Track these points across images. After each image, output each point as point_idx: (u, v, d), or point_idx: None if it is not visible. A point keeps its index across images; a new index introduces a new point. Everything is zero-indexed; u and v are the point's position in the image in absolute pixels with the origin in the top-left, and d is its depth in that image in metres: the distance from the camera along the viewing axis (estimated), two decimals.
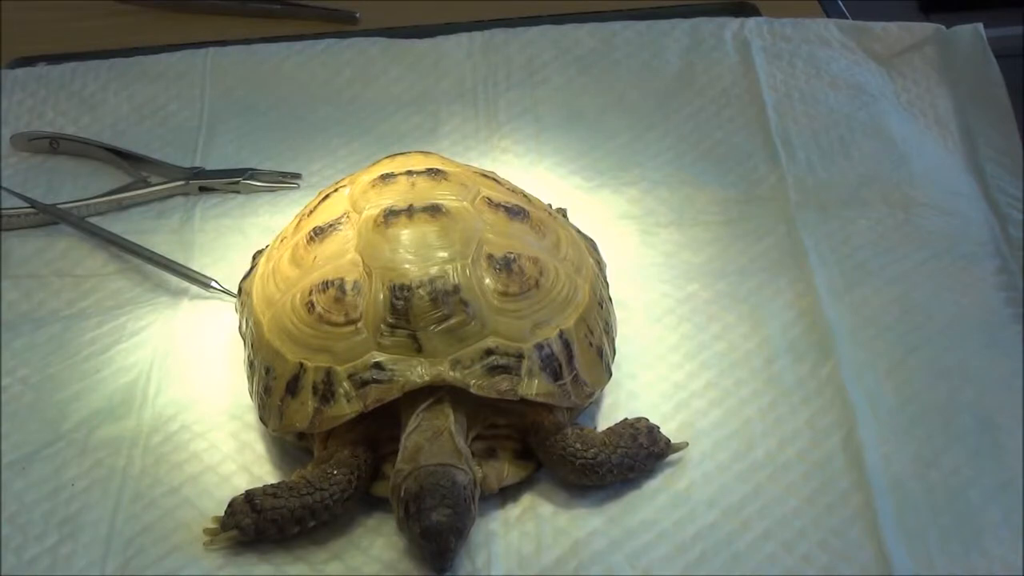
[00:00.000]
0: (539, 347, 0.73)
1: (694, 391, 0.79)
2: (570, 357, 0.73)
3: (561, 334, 0.74)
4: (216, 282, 0.86)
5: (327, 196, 0.81)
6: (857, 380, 0.78)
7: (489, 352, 0.71)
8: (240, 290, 0.83)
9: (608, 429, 0.74)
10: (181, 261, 0.88)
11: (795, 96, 1.01)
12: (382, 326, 0.72)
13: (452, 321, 0.72)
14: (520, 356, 0.72)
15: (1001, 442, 0.74)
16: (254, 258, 0.86)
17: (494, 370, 0.71)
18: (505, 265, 0.74)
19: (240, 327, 0.80)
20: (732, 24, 1.08)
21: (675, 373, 0.80)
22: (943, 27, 1.05)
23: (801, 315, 0.83)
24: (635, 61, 1.06)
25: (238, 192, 0.95)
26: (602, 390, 0.77)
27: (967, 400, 0.77)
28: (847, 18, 1.11)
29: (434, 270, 0.73)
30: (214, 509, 0.72)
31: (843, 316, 0.83)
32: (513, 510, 0.72)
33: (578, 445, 0.72)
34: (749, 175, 0.94)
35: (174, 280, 0.87)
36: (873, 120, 0.98)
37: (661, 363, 0.80)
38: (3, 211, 0.93)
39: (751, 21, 1.08)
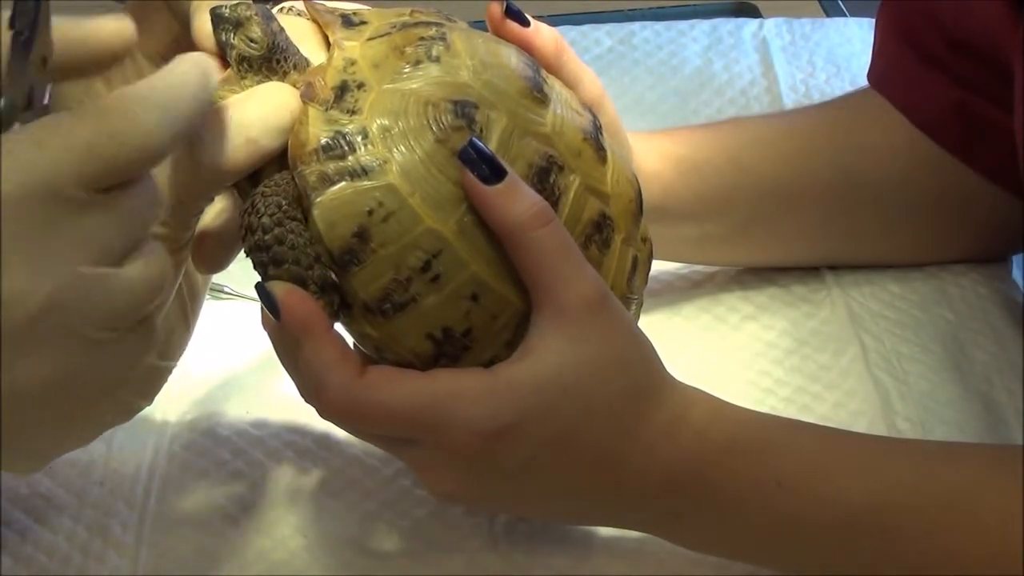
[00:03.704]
0: None
1: (716, 382, 0.79)
2: None
3: None
4: (229, 287, 0.86)
5: None
6: (871, 373, 0.79)
7: None
8: None
9: None
10: None
11: (815, 96, 1.01)
12: None
13: None
14: None
15: (1012, 439, 0.75)
16: None
17: None
18: None
19: None
20: (751, 24, 1.08)
21: (697, 364, 0.80)
22: None
23: (817, 307, 0.84)
24: (653, 61, 1.06)
25: None
26: None
27: (978, 394, 0.78)
28: (846, 17, 1.11)
29: None
30: (242, 510, 0.72)
31: (854, 309, 0.83)
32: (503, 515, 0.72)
33: None
34: None
35: None
36: None
37: (682, 356, 0.81)
38: None
39: (770, 21, 1.08)
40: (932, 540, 0.60)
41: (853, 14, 1.13)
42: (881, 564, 0.61)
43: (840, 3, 1.16)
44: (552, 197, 0.60)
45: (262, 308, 0.59)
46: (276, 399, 0.78)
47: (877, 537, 0.60)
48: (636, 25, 1.09)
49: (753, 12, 1.14)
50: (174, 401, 0.79)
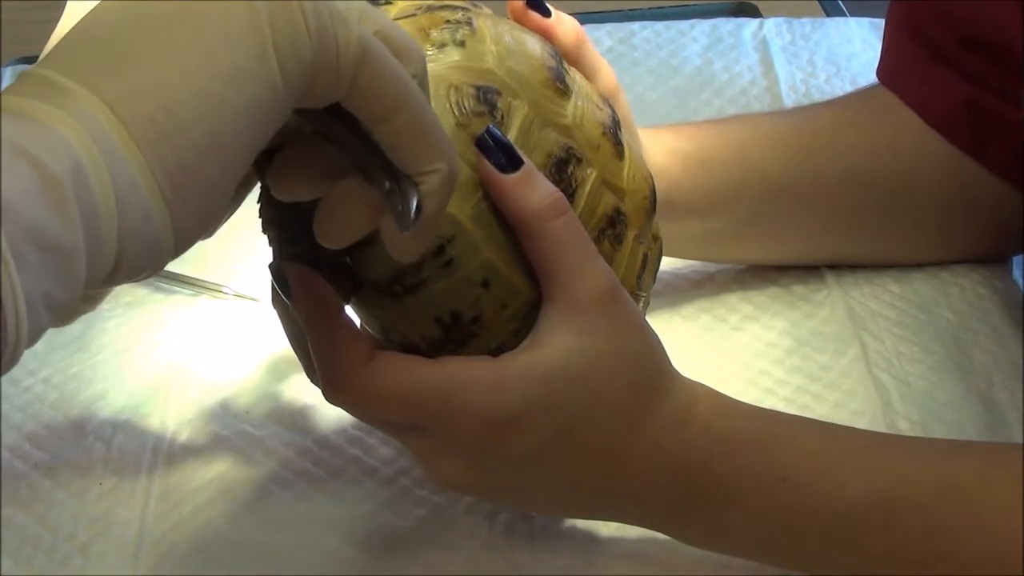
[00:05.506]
0: None
1: (716, 382, 0.79)
2: None
3: None
4: (228, 288, 0.86)
5: None
6: (871, 373, 0.79)
7: None
8: None
9: None
10: (191, 270, 0.87)
11: (815, 96, 1.01)
12: None
13: None
14: None
15: (1012, 439, 0.75)
16: None
17: None
18: None
19: None
20: (751, 24, 1.08)
21: (697, 364, 0.80)
22: None
23: (817, 308, 0.84)
24: (653, 61, 1.06)
25: None
26: None
27: (978, 394, 0.78)
28: (846, 17, 1.11)
29: None
30: (242, 506, 0.72)
31: (854, 309, 0.83)
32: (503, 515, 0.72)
33: None
34: None
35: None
36: None
37: (683, 356, 0.80)
38: None
39: (770, 21, 1.08)
40: (934, 536, 0.60)
41: (853, 14, 1.13)
42: (883, 560, 0.61)
43: (840, 3, 1.16)
44: (569, 189, 0.60)
45: (273, 287, 0.59)
46: (276, 399, 0.78)
47: (879, 533, 0.60)
48: (636, 25, 1.09)
49: (753, 12, 1.14)
50: (174, 401, 0.79)
